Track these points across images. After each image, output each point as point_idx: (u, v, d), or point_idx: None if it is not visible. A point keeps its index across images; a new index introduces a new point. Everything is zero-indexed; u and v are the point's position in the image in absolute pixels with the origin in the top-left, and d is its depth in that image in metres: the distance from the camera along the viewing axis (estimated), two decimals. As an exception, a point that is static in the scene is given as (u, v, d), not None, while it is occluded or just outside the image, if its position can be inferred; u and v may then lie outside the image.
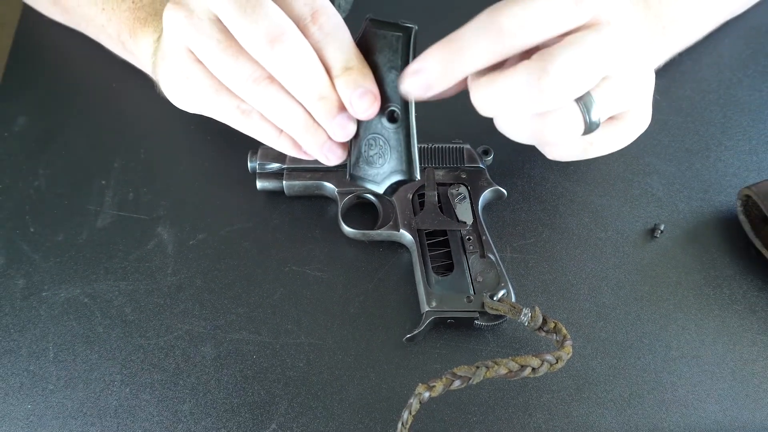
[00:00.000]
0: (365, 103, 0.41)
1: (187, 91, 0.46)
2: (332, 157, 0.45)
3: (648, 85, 0.45)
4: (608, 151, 0.47)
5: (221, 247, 0.54)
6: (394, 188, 0.45)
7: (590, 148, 0.46)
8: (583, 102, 0.41)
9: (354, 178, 0.46)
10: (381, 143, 0.43)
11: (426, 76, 0.39)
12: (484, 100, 0.40)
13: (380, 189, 0.45)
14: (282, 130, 0.45)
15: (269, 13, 0.40)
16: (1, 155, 0.59)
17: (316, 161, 0.54)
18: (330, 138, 0.44)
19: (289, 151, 0.46)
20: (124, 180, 0.58)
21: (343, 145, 0.45)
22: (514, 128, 0.42)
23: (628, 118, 0.46)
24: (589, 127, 0.42)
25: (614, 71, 0.41)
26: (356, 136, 0.44)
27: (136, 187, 0.57)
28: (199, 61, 0.44)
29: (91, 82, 0.63)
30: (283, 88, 0.42)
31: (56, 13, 0.64)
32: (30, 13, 0.66)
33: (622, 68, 0.41)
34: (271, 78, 0.42)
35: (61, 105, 0.62)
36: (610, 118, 0.45)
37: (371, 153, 0.44)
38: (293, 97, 0.42)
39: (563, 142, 0.45)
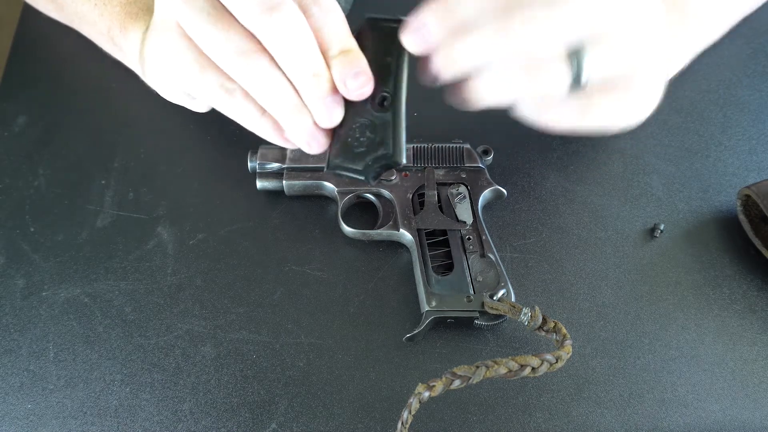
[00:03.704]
0: (359, 82, 0.40)
1: (171, 67, 0.44)
2: (315, 145, 0.43)
3: (655, 55, 0.43)
4: (609, 125, 0.46)
5: (221, 247, 0.54)
6: (378, 173, 0.44)
7: (588, 114, 0.44)
8: (575, 53, 0.40)
9: (333, 167, 0.45)
10: (368, 129, 0.43)
11: (425, 30, 0.40)
12: (451, 57, 0.40)
13: (362, 176, 0.44)
14: (264, 111, 0.43)
15: None
16: (1, 155, 0.59)
17: (314, 160, 0.55)
18: (315, 123, 0.42)
19: (269, 135, 0.44)
20: (124, 180, 0.58)
21: (326, 132, 0.43)
22: (503, 86, 0.41)
23: (630, 87, 0.43)
24: (577, 75, 0.41)
25: (606, 28, 0.40)
26: (341, 125, 0.43)
27: (136, 186, 0.57)
28: (187, 37, 0.42)
29: (91, 82, 0.63)
30: (273, 62, 0.41)
31: (52, 10, 0.64)
32: (30, 12, 0.66)
33: (616, 25, 0.40)
34: (262, 51, 0.40)
35: (61, 105, 0.62)
36: (611, 84, 0.43)
37: (357, 140, 0.43)
38: (283, 73, 0.41)
39: (553, 100, 0.43)
